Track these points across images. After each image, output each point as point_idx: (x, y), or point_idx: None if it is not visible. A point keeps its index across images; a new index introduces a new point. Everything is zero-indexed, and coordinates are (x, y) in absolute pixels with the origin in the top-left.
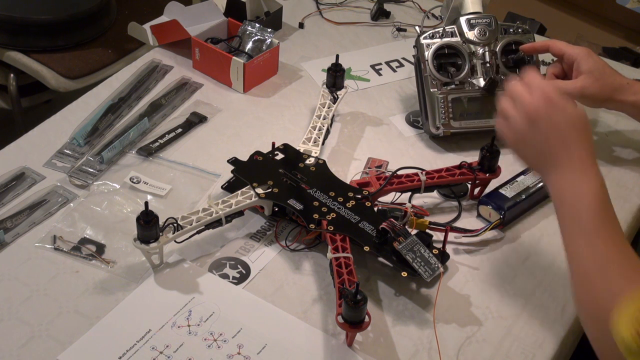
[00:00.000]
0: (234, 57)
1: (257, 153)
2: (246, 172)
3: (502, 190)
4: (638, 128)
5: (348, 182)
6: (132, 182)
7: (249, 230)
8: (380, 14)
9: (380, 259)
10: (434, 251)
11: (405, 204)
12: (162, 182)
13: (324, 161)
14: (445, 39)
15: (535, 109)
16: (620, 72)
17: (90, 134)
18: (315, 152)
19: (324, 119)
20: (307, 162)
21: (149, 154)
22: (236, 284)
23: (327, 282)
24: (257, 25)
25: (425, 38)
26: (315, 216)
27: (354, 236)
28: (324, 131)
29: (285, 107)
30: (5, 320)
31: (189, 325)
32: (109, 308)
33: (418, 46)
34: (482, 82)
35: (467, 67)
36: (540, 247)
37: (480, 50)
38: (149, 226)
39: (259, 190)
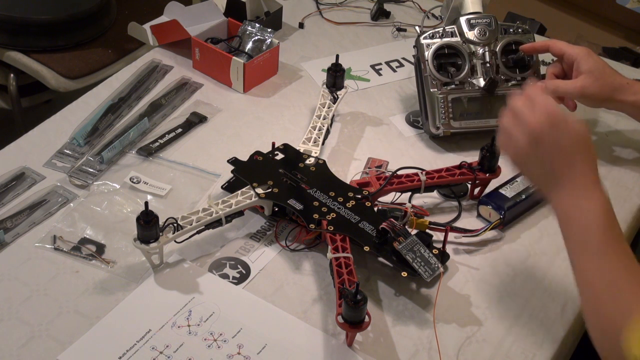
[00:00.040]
0: (234, 57)
1: (257, 153)
2: (246, 172)
3: (502, 190)
4: (638, 128)
5: (348, 182)
6: (132, 182)
7: (249, 230)
8: (380, 14)
9: (380, 259)
10: (434, 251)
11: (405, 204)
12: (162, 182)
13: (324, 161)
14: (445, 39)
15: (539, 129)
16: (620, 72)
17: (90, 134)
18: (315, 152)
19: (324, 119)
20: (307, 162)
21: (149, 154)
22: (236, 284)
23: (327, 282)
24: (257, 25)
25: (425, 38)
26: (315, 216)
27: (354, 236)
28: (324, 131)
29: (285, 107)
30: (5, 320)
31: (189, 325)
32: (109, 308)
33: (418, 46)
34: (482, 82)
35: (467, 67)
36: (540, 247)
37: (480, 50)
38: (149, 226)
39: (259, 190)
